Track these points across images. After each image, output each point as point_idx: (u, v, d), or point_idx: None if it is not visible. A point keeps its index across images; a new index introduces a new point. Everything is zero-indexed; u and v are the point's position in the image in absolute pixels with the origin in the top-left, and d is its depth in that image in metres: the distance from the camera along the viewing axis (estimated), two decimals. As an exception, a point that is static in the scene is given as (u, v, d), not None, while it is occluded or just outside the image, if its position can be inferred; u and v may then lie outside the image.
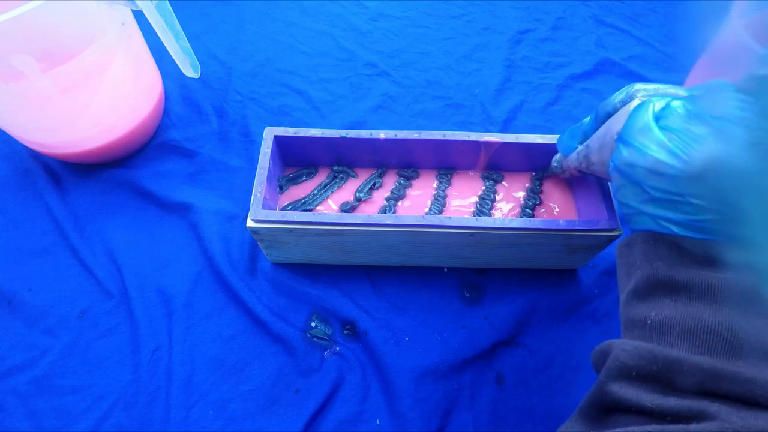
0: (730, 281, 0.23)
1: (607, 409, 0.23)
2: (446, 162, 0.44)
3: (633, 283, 0.26)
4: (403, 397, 0.38)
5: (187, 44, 0.41)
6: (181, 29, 0.40)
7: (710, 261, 0.24)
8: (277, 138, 0.40)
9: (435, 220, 0.36)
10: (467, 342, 0.41)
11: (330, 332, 0.41)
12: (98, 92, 0.41)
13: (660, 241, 0.25)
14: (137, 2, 0.36)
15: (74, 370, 0.39)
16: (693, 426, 0.20)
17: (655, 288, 0.25)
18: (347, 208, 0.42)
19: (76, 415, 0.37)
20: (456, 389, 0.39)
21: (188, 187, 0.48)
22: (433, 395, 0.39)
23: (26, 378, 0.39)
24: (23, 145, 0.47)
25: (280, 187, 0.43)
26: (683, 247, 0.24)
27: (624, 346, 0.23)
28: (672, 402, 0.21)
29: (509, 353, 0.41)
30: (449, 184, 0.44)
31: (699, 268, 0.24)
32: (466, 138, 0.41)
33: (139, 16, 0.40)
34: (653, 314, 0.24)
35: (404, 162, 0.44)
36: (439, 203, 0.43)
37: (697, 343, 0.22)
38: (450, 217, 0.36)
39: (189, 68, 0.43)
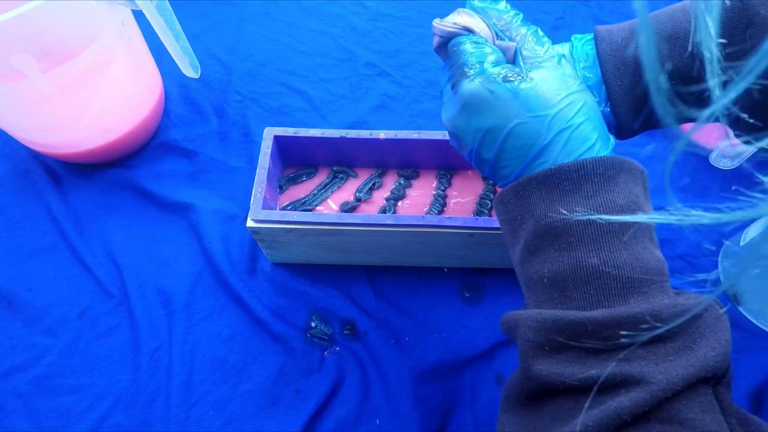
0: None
1: (538, 394, 0.22)
2: (446, 162, 0.44)
3: (522, 239, 0.25)
4: (403, 397, 0.38)
5: (187, 44, 0.41)
6: (181, 29, 0.40)
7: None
8: (277, 138, 0.40)
9: (435, 220, 0.36)
10: (467, 342, 0.41)
11: (330, 332, 0.41)
12: (98, 92, 0.41)
13: (528, 188, 0.24)
14: (137, 2, 0.36)
15: (74, 370, 0.39)
16: (623, 397, 0.19)
17: (541, 239, 0.24)
18: (347, 208, 0.42)
19: (76, 415, 0.37)
20: (456, 389, 0.39)
21: (188, 187, 0.48)
22: (433, 395, 0.39)
23: (26, 378, 0.39)
24: (23, 145, 0.47)
25: (280, 187, 0.43)
26: (552, 188, 0.24)
27: (528, 322, 0.22)
28: (593, 371, 0.20)
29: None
30: (449, 184, 0.44)
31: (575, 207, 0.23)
32: (466, 138, 0.41)
33: (139, 16, 0.40)
34: (546, 271, 0.23)
35: (404, 162, 0.44)
36: (439, 203, 0.43)
37: (591, 292, 0.22)
38: (450, 217, 0.36)
39: (189, 68, 0.43)
